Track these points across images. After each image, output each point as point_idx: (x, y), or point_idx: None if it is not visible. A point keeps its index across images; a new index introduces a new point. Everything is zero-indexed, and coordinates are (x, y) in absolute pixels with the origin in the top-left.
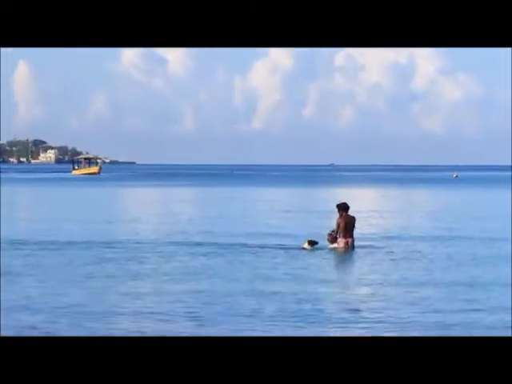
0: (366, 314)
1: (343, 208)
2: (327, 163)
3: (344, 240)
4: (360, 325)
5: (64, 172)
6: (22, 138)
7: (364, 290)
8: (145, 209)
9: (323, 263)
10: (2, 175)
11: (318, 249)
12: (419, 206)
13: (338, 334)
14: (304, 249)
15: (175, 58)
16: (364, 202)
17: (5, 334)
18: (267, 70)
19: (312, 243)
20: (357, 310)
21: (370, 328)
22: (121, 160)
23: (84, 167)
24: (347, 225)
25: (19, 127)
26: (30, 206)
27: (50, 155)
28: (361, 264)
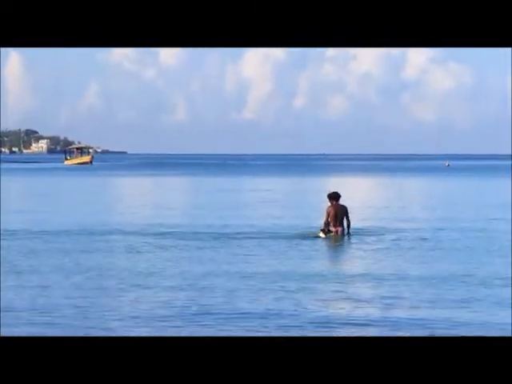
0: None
1: (334, 197)
2: (318, 153)
3: (334, 229)
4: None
5: (56, 162)
6: (13, 127)
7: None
8: (136, 198)
9: (311, 254)
10: None
11: (310, 238)
12: (412, 195)
13: (337, 334)
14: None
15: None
16: (356, 191)
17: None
18: (258, 60)
19: (326, 232)
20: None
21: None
22: (112, 150)
23: (76, 157)
24: (337, 214)
25: (11, 117)
26: (23, 197)
27: (42, 145)
28: (347, 255)
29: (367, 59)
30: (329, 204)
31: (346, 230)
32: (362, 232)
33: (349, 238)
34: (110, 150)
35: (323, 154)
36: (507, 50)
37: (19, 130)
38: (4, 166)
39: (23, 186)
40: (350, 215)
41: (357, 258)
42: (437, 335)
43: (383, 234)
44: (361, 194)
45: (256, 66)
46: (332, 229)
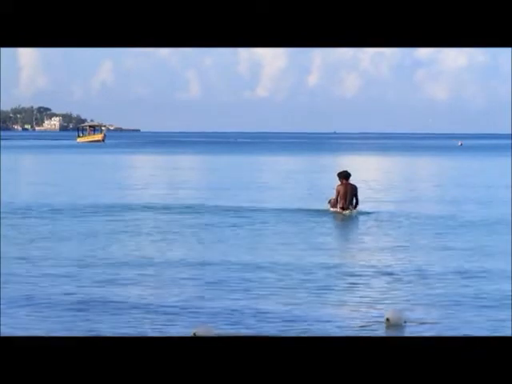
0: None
1: (344, 176)
2: (330, 131)
3: (343, 207)
4: None
5: (69, 139)
6: (26, 104)
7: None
8: (146, 177)
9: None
10: (8, 142)
11: (322, 215)
12: (428, 175)
13: (337, 335)
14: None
15: None
16: (368, 170)
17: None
18: None
19: (346, 209)
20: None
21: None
22: (125, 127)
23: (89, 135)
24: (346, 192)
25: (23, 94)
26: (35, 174)
27: (54, 122)
28: (350, 232)
29: None
30: (339, 183)
31: (354, 209)
32: (371, 211)
33: (357, 217)
34: (124, 127)
35: (334, 133)
36: None
37: (31, 107)
38: (16, 143)
39: (35, 162)
40: (359, 195)
41: (354, 236)
42: (436, 335)
43: (389, 213)
44: (373, 174)
45: None
46: (340, 207)
